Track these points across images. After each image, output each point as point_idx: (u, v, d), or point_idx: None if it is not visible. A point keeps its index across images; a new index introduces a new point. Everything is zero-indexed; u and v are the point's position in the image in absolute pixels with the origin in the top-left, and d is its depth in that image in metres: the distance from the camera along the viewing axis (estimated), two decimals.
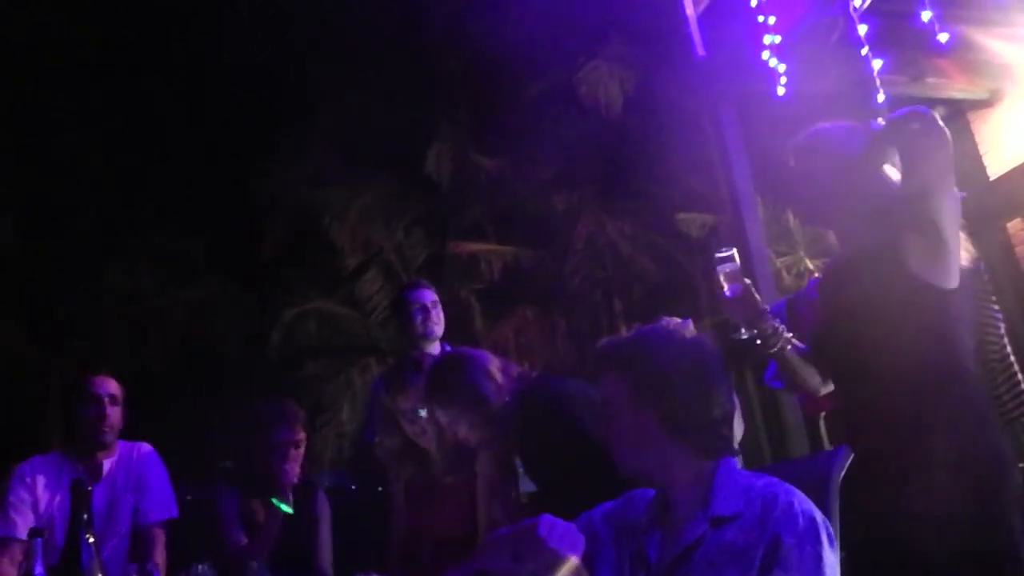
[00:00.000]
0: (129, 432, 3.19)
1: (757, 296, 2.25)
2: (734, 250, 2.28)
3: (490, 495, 2.56)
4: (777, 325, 2.25)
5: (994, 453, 1.92)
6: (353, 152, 12.43)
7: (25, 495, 2.97)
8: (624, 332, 3.11)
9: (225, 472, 3.22)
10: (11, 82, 11.63)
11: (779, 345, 2.23)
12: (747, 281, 2.26)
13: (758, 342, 2.25)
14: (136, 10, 12.66)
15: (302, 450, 3.08)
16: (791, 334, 2.27)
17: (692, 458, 1.57)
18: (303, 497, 3.09)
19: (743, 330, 2.26)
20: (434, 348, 3.49)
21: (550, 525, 1.36)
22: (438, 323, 3.49)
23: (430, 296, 3.52)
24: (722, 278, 2.26)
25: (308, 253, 12.92)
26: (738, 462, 1.65)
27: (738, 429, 2.61)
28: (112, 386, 3.12)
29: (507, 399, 2.42)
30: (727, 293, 2.24)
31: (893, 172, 2.12)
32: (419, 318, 3.46)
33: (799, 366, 2.27)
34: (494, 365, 2.49)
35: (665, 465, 1.57)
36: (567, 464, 2.21)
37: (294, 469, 3.01)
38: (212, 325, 12.97)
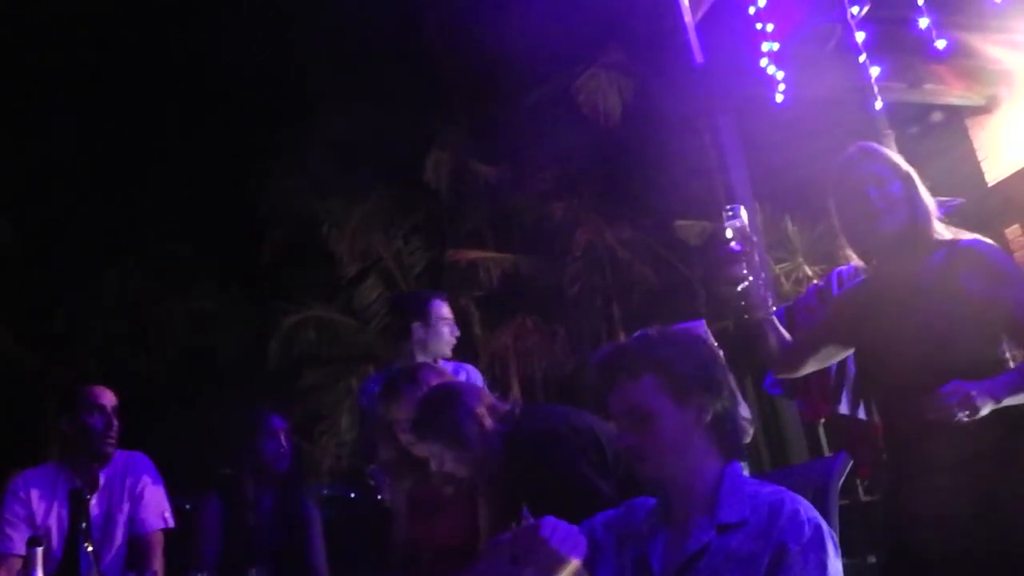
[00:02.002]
0: (127, 441, 3.17)
1: (757, 258, 2.35)
2: (741, 207, 2.39)
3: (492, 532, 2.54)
4: (769, 298, 2.36)
5: None
6: (352, 159, 12.44)
7: (20, 509, 2.95)
8: (623, 338, 3.10)
9: (222, 479, 3.24)
10: (10, 87, 11.65)
11: (762, 317, 2.34)
12: (755, 239, 2.37)
13: (745, 304, 2.36)
14: (136, 14, 12.69)
15: (289, 442, 3.27)
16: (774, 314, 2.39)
17: (716, 459, 1.57)
18: (292, 499, 3.22)
19: (739, 287, 2.35)
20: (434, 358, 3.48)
21: (553, 526, 1.36)
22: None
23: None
24: (729, 233, 2.35)
25: (307, 261, 12.92)
26: (744, 468, 1.65)
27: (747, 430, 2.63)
28: (113, 397, 3.10)
29: (495, 442, 2.40)
30: (735, 248, 2.33)
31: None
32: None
33: (773, 347, 2.36)
34: (483, 404, 2.47)
35: (697, 467, 1.56)
36: (561, 505, 2.20)
37: (286, 455, 3.23)
38: (210, 333, 12.95)
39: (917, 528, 2.00)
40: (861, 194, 2.16)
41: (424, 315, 3.53)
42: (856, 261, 2.32)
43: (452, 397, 2.47)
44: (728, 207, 2.39)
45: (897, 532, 2.10)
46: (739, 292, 2.33)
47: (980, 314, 2.01)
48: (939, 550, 1.92)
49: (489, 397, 2.54)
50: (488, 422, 2.41)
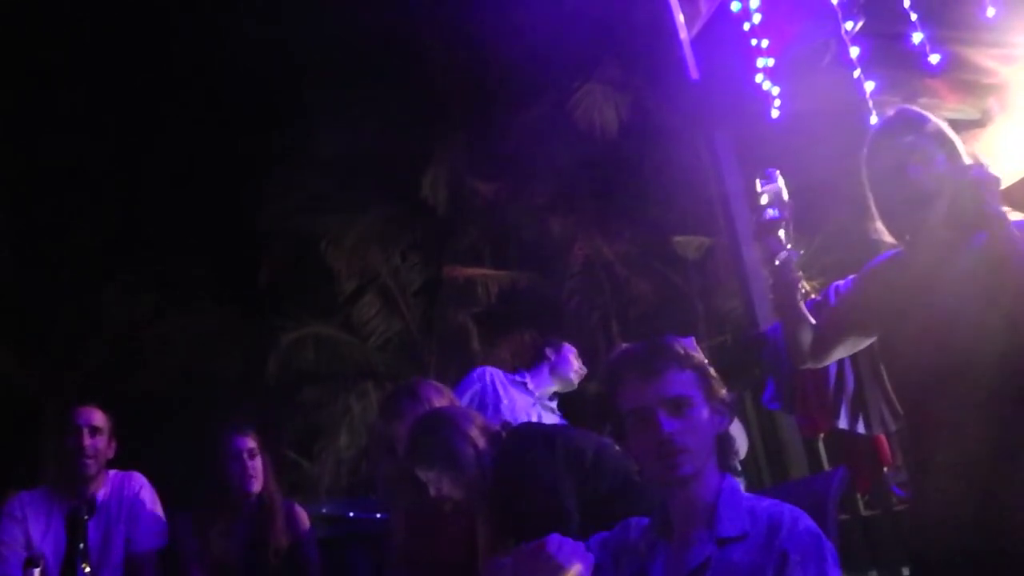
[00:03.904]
0: (125, 459, 3.17)
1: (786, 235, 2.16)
2: (777, 171, 2.22)
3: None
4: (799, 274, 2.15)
5: None
6: (350, 177, 12.47)
7: (17, 532, 2.93)
8: None
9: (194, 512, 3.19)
10: (5, 101, 11.68)
11: (794, 301, 2.13)
12: (787, 203, 2.17)
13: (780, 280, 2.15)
14: (132, 31, 12.75)
15: (258, 460, 3.10)
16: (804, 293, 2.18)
17: (717, 471, 1.62)
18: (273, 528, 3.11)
19: (777, 260, 2.13)
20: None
21: (558, 543, 1.36)
22: None
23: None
24: (765, 198, 2.17)
25: (305, 278, 12.92)
26: (741, 484, 1.67)
27: (742, 446, 2.63)
28: (95, 417, 3.06)
29: (488, 463, 2.41)
30: (774, 214, 2.14)
31: None
32: None
33: (802, 327, 2.15)
34: (476, 425, 2.48)
35: (706, 473, 1.60)
36: (541, 527, 2.21)
37: (253, 476, 3.06)
38: (209, 351, 12.91)
39: (921, 530, 1.98)
40: (902, 175, 1.93)
41: (555, 345, 4.32)
42: (887, 238, 2.10)
43: (445, 421, 2.48)
44: (766, 174, 2.20)
45: (910, 535, 2.07)
46: (777, 267, 2.12)
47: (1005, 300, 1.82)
48: (941, 551, 1.90)
49: (480, 418, 2.55)
50: (481, 443, 2.42)
